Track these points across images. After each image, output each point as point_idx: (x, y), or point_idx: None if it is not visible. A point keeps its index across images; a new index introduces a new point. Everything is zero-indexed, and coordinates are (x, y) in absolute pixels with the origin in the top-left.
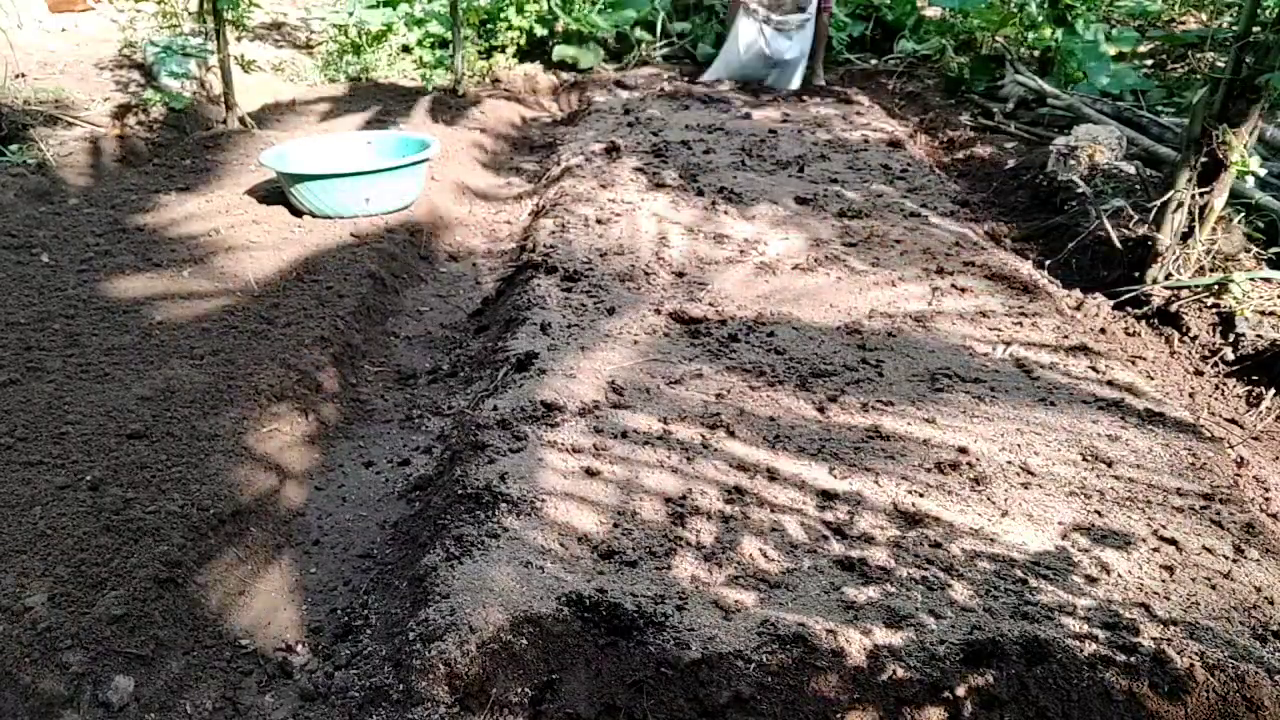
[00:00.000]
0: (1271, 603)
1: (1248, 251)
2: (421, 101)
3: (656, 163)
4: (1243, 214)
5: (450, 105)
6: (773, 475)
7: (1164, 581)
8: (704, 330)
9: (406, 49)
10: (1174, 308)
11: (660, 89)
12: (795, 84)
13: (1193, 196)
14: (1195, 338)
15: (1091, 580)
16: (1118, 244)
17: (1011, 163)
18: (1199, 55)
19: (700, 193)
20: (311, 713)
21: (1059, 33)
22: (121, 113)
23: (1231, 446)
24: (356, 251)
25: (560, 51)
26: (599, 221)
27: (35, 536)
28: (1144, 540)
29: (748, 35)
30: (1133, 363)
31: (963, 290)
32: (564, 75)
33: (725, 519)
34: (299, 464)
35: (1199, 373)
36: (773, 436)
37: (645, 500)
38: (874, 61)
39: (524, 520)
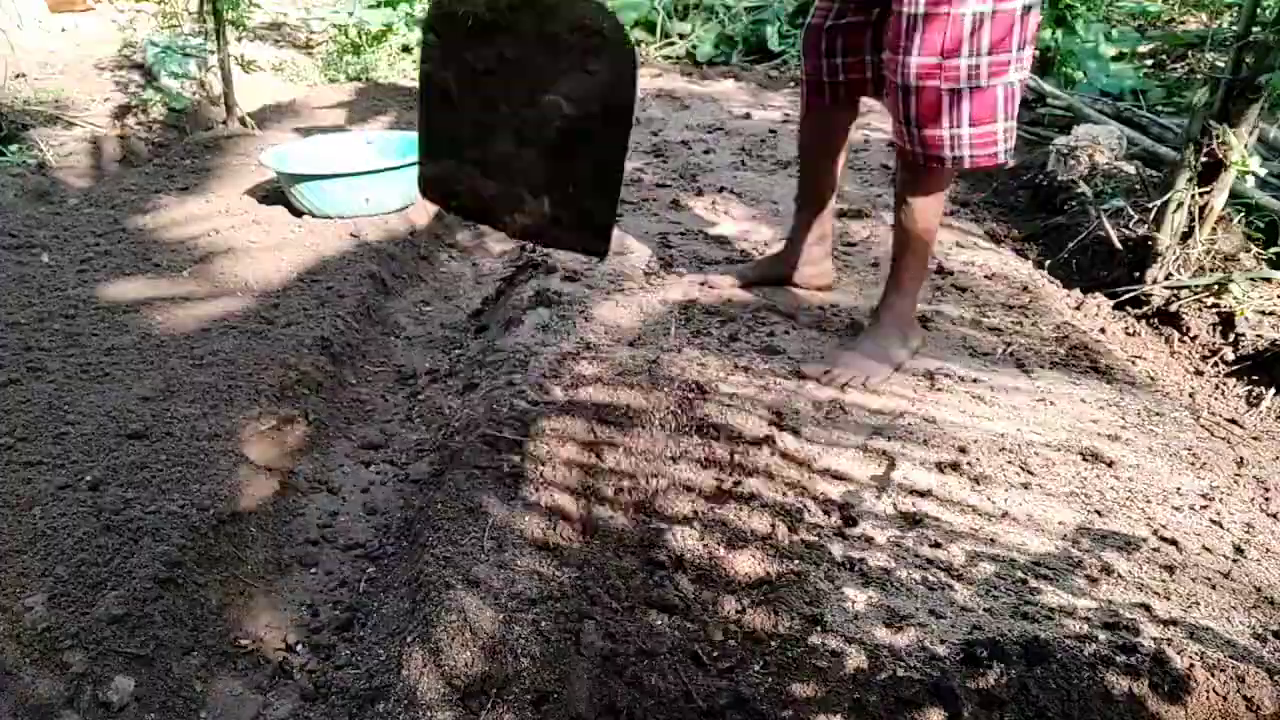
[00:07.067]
0: (1271, 603)
1: (1248, 251)
2: None
3: (656, 162)
4: (1243, 214)
5: None
6: (771, 476)
7: (1164, 581)
8: (704, 330)
9: (406, 49)
10: (1174, 308)
11: (660, 89)
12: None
13: (1193, 196)
14: (1195, 338)
15: (1092, 580)
16: (1118, 244)
17: (1011, 163)
18: (1199, 55)
19: (700, 192)
20: (311, 713)
21: (1059, 33)
22: (121, 113)
23: (1232, 446)
24: (356, 251)
25: None
26: None
27: (35, 536)
28: (1144, 540)
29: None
30: (1133, 363)
31: (962, 290)
32: None
33: (724, 518)
34: (299, 464)
35: (1199, 373)
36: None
37: (643, 499)
38: None
39: (524, 520)
